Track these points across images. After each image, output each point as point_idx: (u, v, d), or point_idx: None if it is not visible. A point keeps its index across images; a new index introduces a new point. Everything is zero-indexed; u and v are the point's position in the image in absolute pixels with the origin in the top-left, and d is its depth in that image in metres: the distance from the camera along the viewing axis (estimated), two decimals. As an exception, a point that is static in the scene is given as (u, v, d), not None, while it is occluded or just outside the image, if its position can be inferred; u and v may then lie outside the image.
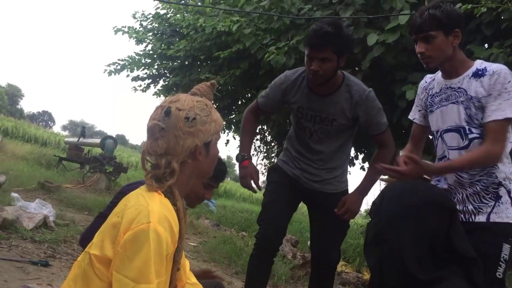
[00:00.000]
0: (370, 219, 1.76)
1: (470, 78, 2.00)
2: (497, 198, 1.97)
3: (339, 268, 4.78)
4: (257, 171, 2.60)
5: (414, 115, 2.33)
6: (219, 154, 1.55)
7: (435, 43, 1.97)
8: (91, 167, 9.35)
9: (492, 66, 1.98)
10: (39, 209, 4.69)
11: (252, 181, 2.55)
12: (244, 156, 2.62)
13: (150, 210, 1.22)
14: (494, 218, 1.94)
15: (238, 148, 2.74)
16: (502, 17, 3.72)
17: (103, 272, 1.21)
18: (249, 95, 7.93)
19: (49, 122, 69.21)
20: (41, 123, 56.18)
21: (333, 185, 2.60)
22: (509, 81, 1.91)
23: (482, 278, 1.56)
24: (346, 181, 2.69)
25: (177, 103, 1.34)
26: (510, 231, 1.94)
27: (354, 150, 6.79)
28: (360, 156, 6.97)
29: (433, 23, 1.95)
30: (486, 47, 4.16)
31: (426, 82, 2.26)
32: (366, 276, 4.87)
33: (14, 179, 7.15)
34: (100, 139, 10.85)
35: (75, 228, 4.64)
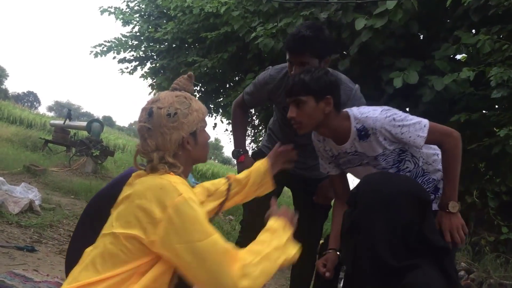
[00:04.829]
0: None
1: (358, 141, 1.95)
2: (436, 191, 2.03)
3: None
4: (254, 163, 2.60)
5: (326, 169, 2.22)
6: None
7: (305, 109, 1.90)
8: (77, 150, 9.27)
9: (366, 123, 1.90)
10: (24, 193, 4.66)
11: None
12: (239, 152, 2.61)
13: (174, 185, 1.33)
14: (434, 207, 1.97)
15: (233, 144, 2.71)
16: (490, 3, 3.72)
17: (130, 249, 1.29)
18: (237, 79, 7.88)
19: (35, 103, 68.34)
20: (26, 103, 55.42)
21: (318, 170, 2.61)
22: (396, 124, 1.87)
23: (453, 266, 1.60)
24: None
25: (157, 102, 1.45)
26: None
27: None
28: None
29: (303, 88, 1.89)
30: (474, 33, 4.17)
31: (319, 141, 2.17)
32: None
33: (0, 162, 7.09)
34: (86, 122, 10.74)
35: (61, 212, 4.63)
